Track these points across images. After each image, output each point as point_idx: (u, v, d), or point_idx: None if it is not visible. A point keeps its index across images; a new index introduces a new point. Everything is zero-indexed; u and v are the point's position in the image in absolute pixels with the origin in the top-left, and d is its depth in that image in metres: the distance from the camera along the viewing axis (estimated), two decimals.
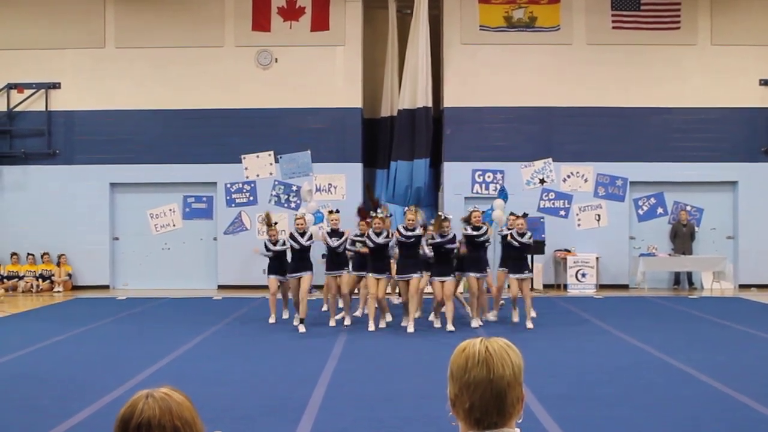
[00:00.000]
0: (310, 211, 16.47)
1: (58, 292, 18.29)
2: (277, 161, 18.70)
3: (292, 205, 18.51)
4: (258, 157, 18.77)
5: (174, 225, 19.08)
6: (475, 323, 12.37)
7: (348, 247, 12.69)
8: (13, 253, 18.76)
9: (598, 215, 18.73)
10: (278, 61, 18.78)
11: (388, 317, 12.89)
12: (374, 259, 12.29)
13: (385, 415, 6.93)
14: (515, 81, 18.63)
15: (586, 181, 18.73)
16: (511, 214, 13.19)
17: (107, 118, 18.77)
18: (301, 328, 11.98)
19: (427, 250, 12.19)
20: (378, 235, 12.18)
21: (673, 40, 18.63)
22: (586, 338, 11.39)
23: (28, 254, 18.73)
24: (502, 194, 16.67)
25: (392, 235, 12.35)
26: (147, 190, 18.91)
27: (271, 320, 12.93)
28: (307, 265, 12.58)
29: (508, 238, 12.64)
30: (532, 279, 13.95)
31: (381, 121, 19.22)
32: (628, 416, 6.87)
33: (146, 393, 2.05)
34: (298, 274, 12.55)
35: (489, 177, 18.63)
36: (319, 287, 14.98)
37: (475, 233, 12.34)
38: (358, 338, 11.42)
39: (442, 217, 12.25)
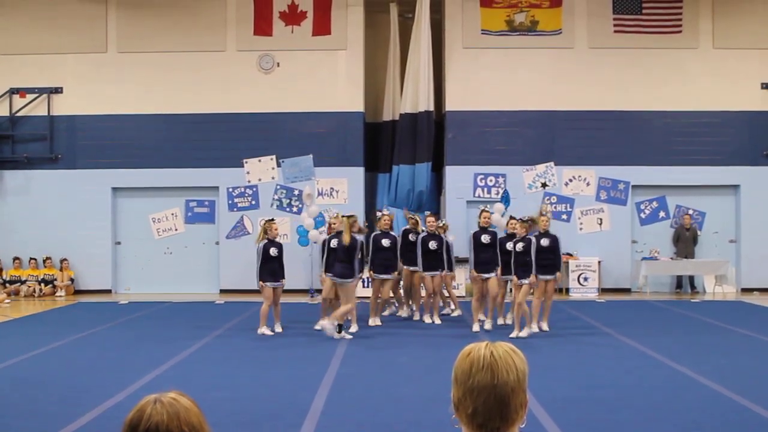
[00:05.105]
0: (312, 216, 16.49)
1: (61, 296, 18.30)
2: (279, 165, 18.69)
3: (294, 209, 18.52)
4: (260, 161, 18.78)
5: (176, 229, 19.09)
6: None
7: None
8: (16, 258, 18.77)
9: (600, 219, 18.72)
10: (280, 66, 18.80)
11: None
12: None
13: (388, 418, 6.93)
14: (517, 85, 18.64)
15: (588, 184, 18.72)
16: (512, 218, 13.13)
17: (109, 123, 18.77)
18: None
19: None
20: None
21: (675, 43, 18.62)
22: (588, 342, 11.38)
23: (31, 258, 18.73)
24: (504, 198, 16.66)
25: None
26: (149, 194, 18.92)
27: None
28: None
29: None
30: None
31: (383, 125, 19.23)
32: (631, 420, 6.87)
33: (154, 398, 2.05)
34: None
35: (491, 181, 18.64)
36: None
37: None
38: (360, 342, 11.41)
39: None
